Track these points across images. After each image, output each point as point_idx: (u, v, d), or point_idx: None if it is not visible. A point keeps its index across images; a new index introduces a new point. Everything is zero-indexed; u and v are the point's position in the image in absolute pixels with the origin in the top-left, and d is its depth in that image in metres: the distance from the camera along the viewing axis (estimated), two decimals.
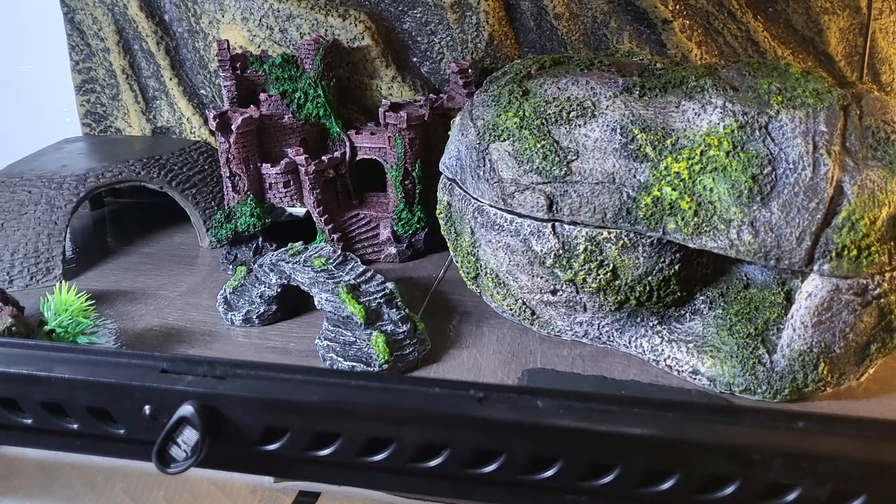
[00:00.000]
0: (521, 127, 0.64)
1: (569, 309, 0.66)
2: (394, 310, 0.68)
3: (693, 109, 0.60)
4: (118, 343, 0.71)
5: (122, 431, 0.39)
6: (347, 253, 0.75)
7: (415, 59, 0.99)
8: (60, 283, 0.71)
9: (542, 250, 0.63)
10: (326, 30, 0.96)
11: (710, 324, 0.63)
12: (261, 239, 0.89)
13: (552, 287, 0.65)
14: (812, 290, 0.57)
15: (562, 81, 0.66)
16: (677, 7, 0.91)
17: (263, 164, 0.86)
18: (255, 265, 0.76)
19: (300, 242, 0.77)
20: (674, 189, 0.58)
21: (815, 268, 0.55)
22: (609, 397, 0.35)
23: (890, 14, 0.89)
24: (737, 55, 0.92)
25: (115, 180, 0.89)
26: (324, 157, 0.87)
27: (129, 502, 0.62)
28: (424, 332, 0.69)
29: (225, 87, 0.89)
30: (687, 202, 0.57)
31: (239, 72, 0.89)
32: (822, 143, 0.56)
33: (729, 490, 0.34)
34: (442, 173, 0.73)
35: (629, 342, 0.67)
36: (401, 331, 0.67)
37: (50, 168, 0.90)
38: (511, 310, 0.70)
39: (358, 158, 0.90)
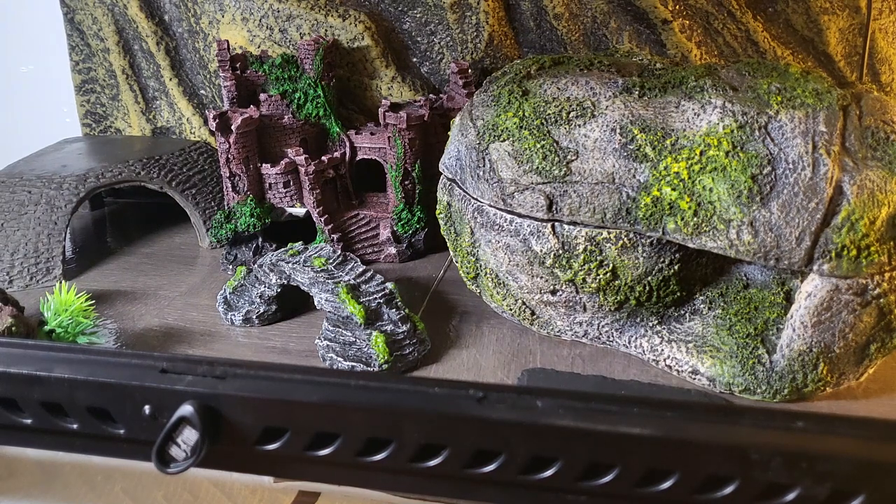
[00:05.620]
0: (521, 127, 0.64)
1: (568, 309, 0.66)
2: (394, 310, 0.68)
3: (693, 109, 0.60)
4: (118, 343, 0.71)
5: (122, 431, 0.39)
6: (347, 253, 0.75)
7: (415, 60, 0.99)
8: (60, 283, 0.71)
9: (541, 250, 0.63)
10: (326, 30, 0.96)
11: (709, 324, 0.63)
12: (261, 239, 0.89)
13: (552, 287, 0.65)
14: (811, 290, 0.57)
15: (561, 82, 0.66)
16: (677, 7, 0.91)
17: (263, 165, 0.86)
18: (255, 265, 0.76)
19: (300, 242, 0.77)
20: (673, 189, 0.58)
21: (815, 268, 0.55)
22: (609, 397, 0.35)
23: (890, 14, 0.89)
24: (737, 55, 0.92)
25: (115, 180, 0.89)
26: (324, 157, 0.87)
27: (128, 502, 0.62)
28: (424, 332, 0.69)
29: (225, 87, 0.89)
30: (686, 202, 0.57)
31: (239, 72, 0.89)
32: (821, 143, 0.56)
33: (728, 490, 0.34)
34: (442, 173, 0.73)
35: (629, 342, 0.67)
36: (401, 331, 0.67)
37: (50, 168, 0.90)
38: (511, 310, 0.70)
39: (358, 158, 0.90)
